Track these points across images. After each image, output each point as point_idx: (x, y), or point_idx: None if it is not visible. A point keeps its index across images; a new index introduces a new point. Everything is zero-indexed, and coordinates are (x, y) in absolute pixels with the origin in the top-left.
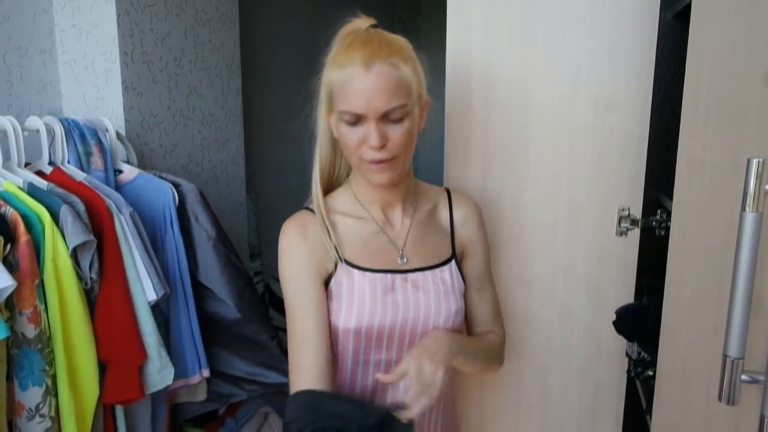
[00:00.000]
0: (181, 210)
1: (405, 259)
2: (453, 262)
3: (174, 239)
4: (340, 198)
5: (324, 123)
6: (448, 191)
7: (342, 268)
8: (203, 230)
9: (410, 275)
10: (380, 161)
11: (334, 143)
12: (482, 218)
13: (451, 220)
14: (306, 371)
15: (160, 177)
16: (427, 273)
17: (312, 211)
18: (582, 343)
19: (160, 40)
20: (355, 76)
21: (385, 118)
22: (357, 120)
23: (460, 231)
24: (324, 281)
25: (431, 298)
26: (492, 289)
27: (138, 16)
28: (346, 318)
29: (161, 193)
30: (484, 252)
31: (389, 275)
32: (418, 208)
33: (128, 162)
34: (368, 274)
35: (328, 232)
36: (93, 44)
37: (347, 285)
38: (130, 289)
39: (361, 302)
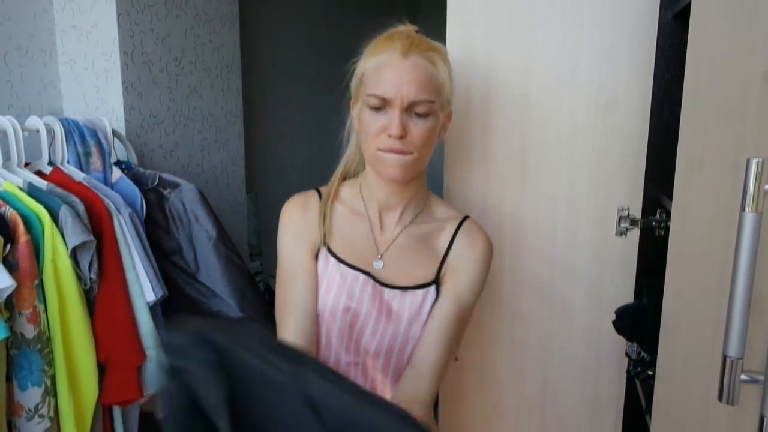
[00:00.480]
0: (182, 210)
1: (382, 263)
2: (433, 287)
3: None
4: (347, 189)
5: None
6: (463, 220)
7: (323, 252)
8: (204, 230)
9: (387, 291)
10: (398, 151)
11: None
12: (485, 264)
13: (449, 248)
14: (293, 338)
15: (160, 178)
16: (396, 292)
17: (319, 193)
18: (582, 343)
19: (160, 40)
20: (391, 61)
21: (410, 110)
22: (382, 105)
23: (450, 262)
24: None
25: (401, 325)
26: (450, 346)
27: (138, 16)
28: None
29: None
30: (460, 302)
31: (362, 276)
32: (417, 222)
33: (128, 161)
34: (342, 266)
35: (324, 217)
36: (93, 44)
37: (321, 269)
38: (129, 289)
39: (328, 288)
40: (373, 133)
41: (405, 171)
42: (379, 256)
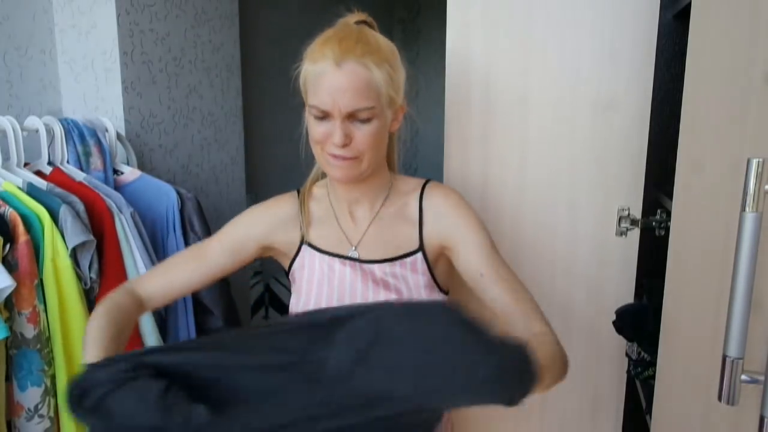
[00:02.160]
0: (182, 216)
1: (357, 254)
2: (419, 254)
3: (176, 241)
4: (318, 190)
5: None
6: (425, 184)
7: (305, 250)
8: (197, 239)
9: (365, 266)
10: (342, 158)
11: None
12: (464, 206)
13: (421, 213)
14: (140, 280)
15: None
16: (384, 265)
17: (299, 192)
18: (582, 343)
19: (160, 40)
20: (326, 71)
21: (351, 117)
22: (324, 116)
23: (431, 225)
24: (257, 252)
25: (392, 295)
26: (509, 277)
27: (138, 16)
28: (305, 301)
29: (163, 195)
30: (478, 238)
31: (348, 261)
32: (387, 205)
33: (128, 162)
34: (326, 257)
35: (303, 212)
36: (93, 44)
37: (308, 267)
38: None
39: (320, 283)
40: (319, 140)
41: (352, 173)
42: (353, 248)
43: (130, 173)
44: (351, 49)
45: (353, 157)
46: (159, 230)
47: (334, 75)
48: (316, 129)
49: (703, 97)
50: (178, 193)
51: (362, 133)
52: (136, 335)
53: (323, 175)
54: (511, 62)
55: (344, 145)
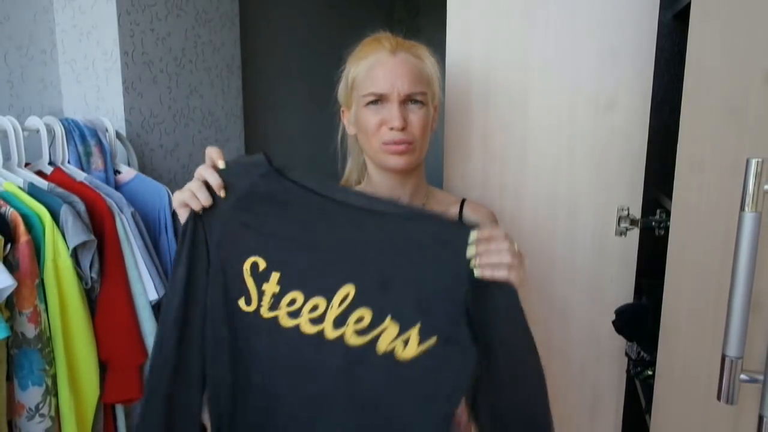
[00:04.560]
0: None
1: None
2: None
3: (168, 242)
4: None
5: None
6: (463, 201)
7: None
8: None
9: None
10: (399, 142)
11: (346, 142)
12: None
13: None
14: None
15: None
16: None
17: None
18: (582, 343)
19: (160, 40)
20: (381, 60)
21: (405, 101)
22: (379, 100)
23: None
24: None
25: None
26: None
27: (138, 16)
28: None
29: (156, 196)
30: None
31: None
32: (428, 207)
33: (128, 163)
34: None
35: None
36: (93, 44)
37: None
38: (131, 288)
39: None
40: (373, 128)
41: (409, 160)
42: None
43: (126, 173)
44: (402, 43)
45: (408, 142)
46: (153, 230)
47: (390, 61)
48: (370, 119)
49: (702, 97)
50: (171, 194)
51: (417, 117)
52: (137, 333)
53: (356, 182)
54: (511, 62)
55: (402, 128)
